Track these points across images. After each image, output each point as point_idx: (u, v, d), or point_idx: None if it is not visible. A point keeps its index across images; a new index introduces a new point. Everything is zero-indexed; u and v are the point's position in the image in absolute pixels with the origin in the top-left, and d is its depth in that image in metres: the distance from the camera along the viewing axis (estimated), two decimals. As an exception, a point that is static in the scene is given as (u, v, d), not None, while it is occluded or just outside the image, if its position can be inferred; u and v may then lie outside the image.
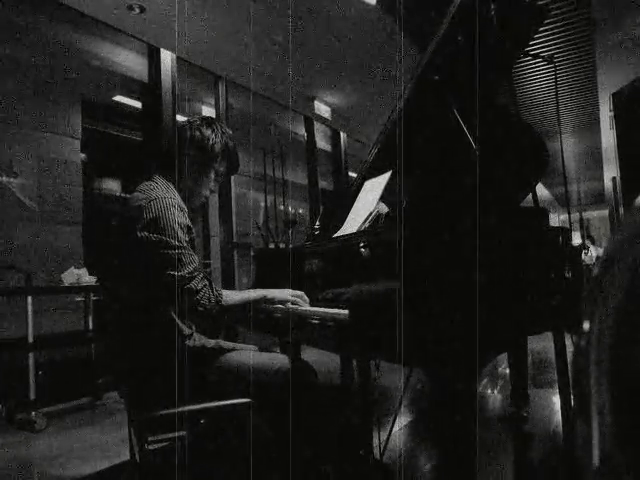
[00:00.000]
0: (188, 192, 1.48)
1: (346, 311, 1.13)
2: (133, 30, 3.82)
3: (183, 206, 1.39)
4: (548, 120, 6.52)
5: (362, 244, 1.25)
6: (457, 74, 1.58)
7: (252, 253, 4.75)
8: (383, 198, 1.56)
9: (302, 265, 1.67)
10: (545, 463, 1.98)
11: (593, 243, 10.27)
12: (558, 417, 2.39)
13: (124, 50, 3.98)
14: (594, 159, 8.94)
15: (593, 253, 9.59)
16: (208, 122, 1.49)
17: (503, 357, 2.73)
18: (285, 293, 1.44)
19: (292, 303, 1.43)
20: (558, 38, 4.29)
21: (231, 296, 1.37)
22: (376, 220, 1.54)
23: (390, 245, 1.17)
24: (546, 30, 4.13)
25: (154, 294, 1.29)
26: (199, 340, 1.38)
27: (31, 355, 2.70)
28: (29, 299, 2.69)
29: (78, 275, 3.00)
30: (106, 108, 4.85)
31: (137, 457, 1.27)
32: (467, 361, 1.00)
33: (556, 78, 5.38)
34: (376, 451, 1.85)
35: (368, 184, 1.73)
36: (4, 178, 3.38)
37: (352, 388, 2.06)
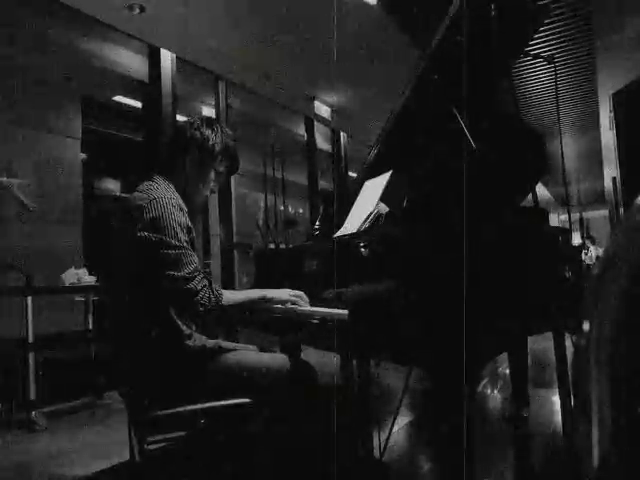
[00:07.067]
0: (188, 192, 1.47)
1: (346, 311, 1.13)
2: (133, 30, 3.82)
3: (183, 206, 1.38)
4: (548, 120, 6.51)
5: (362, 244, 1.25)
6: (457, 74, 1.57)
7: (251, 253, 4.75)
8: (383, 198, 1.56)
9: (302, 265, 1.67)
10: (545, 463, 1.98)
11: (593, 243, 10.26)
12: (558, 417, 2.39)
13: (124, 50, 3.98)
14: (594, 159, 8.94)
15: (593, 253, 9.59)
16: (208, 122, 1.49)
17: (503, 357, 2.73)
18: (285, 293, 1.44)
19: (292, 303, 1.43)
20: (558, 38, 4.29)
21: (231, 296, 1.37)
22: (376, 220, 1.54)
23: (390, 245, 1.17)
24: (546, 30, 4.12)
25: (154, 294, 1.29)
26: (199, 340, 1.38)
27: (31, 355, 2.70)
28: (29, 299, 2.69)
29: (78, 275, 3.00)
30: (106, 108, 4.85)
31: (137, 457, 1.27)
32: (467, 361, 1.00)
33: (556, 78, 5.37)
34: (376, 451, 1.85)
35: (368, 184, 1.73)
36: (4, 178, 3.37)
37: (352, 388, 2.06)
